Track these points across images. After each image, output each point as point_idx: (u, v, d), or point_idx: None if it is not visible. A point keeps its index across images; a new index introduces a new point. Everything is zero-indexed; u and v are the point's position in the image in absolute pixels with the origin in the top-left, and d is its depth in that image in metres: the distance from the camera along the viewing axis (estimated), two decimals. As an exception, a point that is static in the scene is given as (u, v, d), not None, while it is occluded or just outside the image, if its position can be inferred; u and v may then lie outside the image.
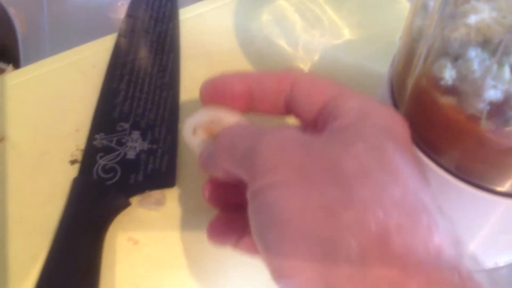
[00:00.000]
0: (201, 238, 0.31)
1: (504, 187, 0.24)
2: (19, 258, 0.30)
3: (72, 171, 0.33)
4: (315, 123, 0.23)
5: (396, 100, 0.27)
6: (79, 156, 0.34)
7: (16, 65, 0.54)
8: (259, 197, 0.19)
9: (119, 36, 0.42)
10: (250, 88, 0.25)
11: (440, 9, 0.20)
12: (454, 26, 0.21)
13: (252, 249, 0.24)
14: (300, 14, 0.45)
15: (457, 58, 0.21)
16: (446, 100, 0.21)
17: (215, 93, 0.26)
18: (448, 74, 0.21)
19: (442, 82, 0.21)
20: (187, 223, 0.32)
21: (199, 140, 0.26)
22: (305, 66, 0.41)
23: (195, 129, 0.26)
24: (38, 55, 0.46)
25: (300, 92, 0.24)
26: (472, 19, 0.20)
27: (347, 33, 0.44)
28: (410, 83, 0.24)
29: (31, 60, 0.46)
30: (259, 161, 0.20)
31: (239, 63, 0.41)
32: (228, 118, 0.25)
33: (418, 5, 0.24)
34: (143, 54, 0.40)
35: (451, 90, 0.21)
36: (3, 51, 0.56)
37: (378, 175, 0.18)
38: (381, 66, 0.42)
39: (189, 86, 0.39)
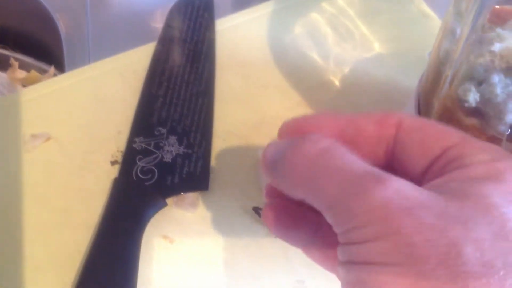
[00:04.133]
0: (232, 240, 0.33)
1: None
2: (65, 248, 0.32)
3: (113, 171, 0.36)
4: (422, 177, 0.19)
5: (422, 117, 0.28)
6: (119, 157, 0.36)
7: (59, 67, 0.57)
8: (356, 271, 0.16)
9: (158, 44, 0.44)
10: (343, 132, 0.20)
11: (467, 36, 0.21)
12: (479, 52, 0.22)
13: (325, 263, 0.23)
14: (332, 27, 0.46)
15: (481, 82, 0.22)
16: (470, 121, 0.23)
17: (297, 134, 0.21)
18: (472, 98, 0.22)
19: (466, 105, 0.22)
20: (219, 225, 0.34)
21: None
22: (335, 78, 0.43)
23: None
24: (82, 59, 0.49)
25: (411, 137, 0.19)
26: (497, 46, 0.22)
27: (377, 47, 0.45)
28: (436, 102, 0.25)
29: (75, 63, 0.49)
30: (362, 225, 0.16)
31: (272, 74, 0.42)
32: None
33: (446, 29, 0.25)
34: (180, 62, 0.42)
35: (475, 112, 0.22)
36: (46, 53, 0.59)
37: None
38: (411, 81, 0.43)
39: (223, 95, 0.41)
